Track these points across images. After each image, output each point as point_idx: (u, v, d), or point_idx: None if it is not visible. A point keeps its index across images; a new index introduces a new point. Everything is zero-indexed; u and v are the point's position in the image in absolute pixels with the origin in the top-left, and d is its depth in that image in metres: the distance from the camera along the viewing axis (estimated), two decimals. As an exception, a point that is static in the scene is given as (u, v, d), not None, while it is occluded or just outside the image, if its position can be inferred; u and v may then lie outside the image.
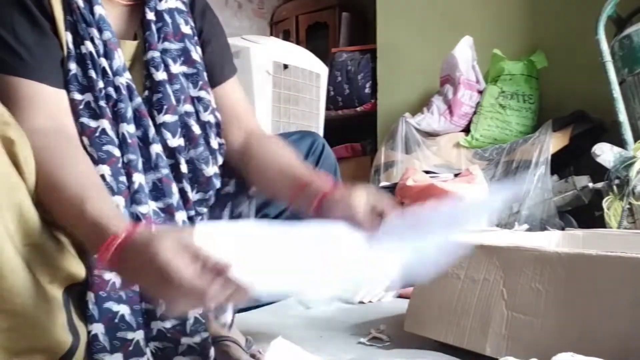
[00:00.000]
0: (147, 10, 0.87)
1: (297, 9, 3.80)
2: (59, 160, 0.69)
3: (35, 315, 0.63)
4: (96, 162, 0.76)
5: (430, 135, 2.46)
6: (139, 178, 0.79)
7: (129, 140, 0.79)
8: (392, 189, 1.86)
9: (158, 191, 0.82)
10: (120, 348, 0.73)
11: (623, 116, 1.80)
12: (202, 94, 0.90)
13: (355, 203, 0.74)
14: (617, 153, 1.70)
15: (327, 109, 2.72)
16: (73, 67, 0.79)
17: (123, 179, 0.78)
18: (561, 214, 2.04)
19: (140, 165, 0.80)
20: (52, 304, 0.67)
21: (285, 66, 2.19)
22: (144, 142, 0.81)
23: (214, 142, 0.90)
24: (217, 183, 0.89)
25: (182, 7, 0.93)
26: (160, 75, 0.85)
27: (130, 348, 0.74)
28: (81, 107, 0.78)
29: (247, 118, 0.97)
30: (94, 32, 0.80)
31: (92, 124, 0.78)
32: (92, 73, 0.79)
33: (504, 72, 2.33)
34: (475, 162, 2.22)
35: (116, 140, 0.78)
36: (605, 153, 1.70)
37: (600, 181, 1.72)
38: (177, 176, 0.85)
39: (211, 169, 0.88)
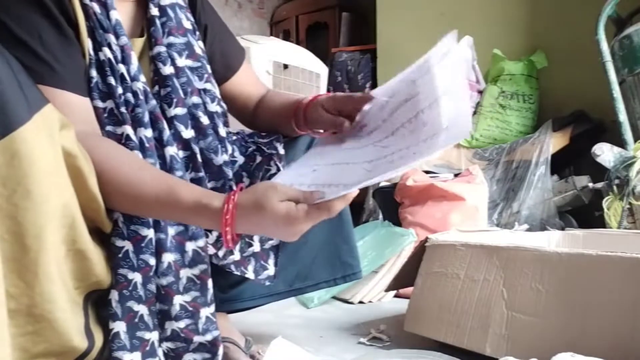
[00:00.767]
0: (151, 5, 0.88)
1: (297, 9, 3.81)
2: (122, 159, 0.74)
3: (58, 320, 0.64)
4: None
5: (430, 135, 2.45)
6: None
7: (147, 145, 0.80)
8: (392, 189, 1.86)
9: None
10: (138, 347, 0.75)
11: (623, 116, 1.80)
12: (208, 85, 0.92)
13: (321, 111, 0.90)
14: (617, 153, 1.70)
15: (327, 109, 2.72)
16: (94, 74, 0.79)
17: None
18: (561, 214, 2.04)
19: (158, 169, 0.81)
20: (74, 309, 0.68)
21: (285, 66, 2.19)
22: (160, 145, 0.83)
23: (222, 131, 0.92)
24: (229, 172, 0.90)
25: (182, 2, 0.94)
26: (168, 69, 0.86)
27: (147, 348, 0.76)
28: (105, 114, 0.79)
29: (260, 90, 1.07)
30: (111, 37, 0.80)
31: (117, 130, 0.79)
32: (112, 80, 0.79)
33: (504, 72, 2.33)
34: (475, 162, 2.22)
35: (138, 145, 0.80)
36: (605, 153, 1.70)
37: (600, 181, 1.72)
38: (194, 166, 0.86)
39: (221, 158, 0.89)
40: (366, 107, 0.86)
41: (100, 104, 0.79)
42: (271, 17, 3.97)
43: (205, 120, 0.89)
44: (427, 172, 1.91)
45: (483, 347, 0.88)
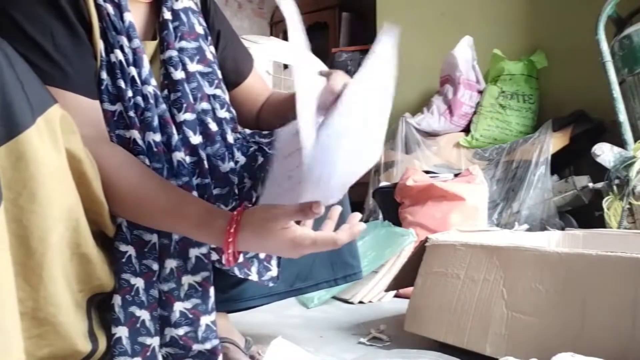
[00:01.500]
0: (164, 9, 0.87)
1: (297, 9, 3.81)
2: (125, 170, 0.73)
3: (62, 324, 0.64)
4: None
5: (430, 135, 2.45)
6: None
7: (155, 149, 0.80)
8: (392, 189, 1.86)
9: None
10: (139, 353, 0.75)
11: (623, 116, 1.80)
12: (218, 91, 0.92)
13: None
14: (617, 153, 1.70)
15: (327, 108, 2.72)
16: (105, 76, 0.78)
17: None
18: (561, 214, 2.04)
19: (165, 173, 0.81)
20: (78, 312, 0.68)
21: (285, 66, 2.19)
22: (167, 149, 0.82)
23: (230, 138, 0.92)
24: (235, 179, 0.90)
25: (194, 7, 0.93)
26: (179, 74, 0.86)
27: (148, 353, 0.76)
28: (114, 118, 0.79)
29: (265, 92, 1.08)
30: (124, 40, 0.79)
31: (126, 134, 0.79)
32: (121, 82, 0.79)
33: (504, 72, 2.33)
34: (475, 162, 2.22)
35: (145, 150, 0.79)
36: (605, 153, 1.70)
37: (600, 181, 1.72)
38: (201, 172, 0.86)
39: (227, 165, 0.89)
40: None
41: (109, 107, 0.79)
42: (271, 17, 3.97)
43: (213, 126, 0.88)
44: (427, 172, 1.91)
45: (483, 347, 0.88)
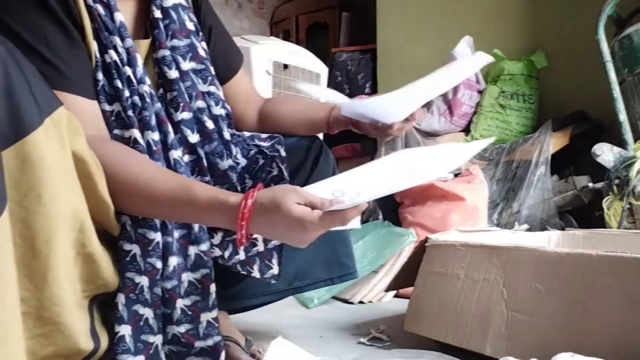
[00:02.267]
0: (153, 8, 0.87)
1: (297, 9, 3.81)
2: (134, 161, 0.74)
3: (66, 324, 0.64)
4: None
5: (430, 135, 2.45)
6: None
7: (154, 148, 0.80)
8: (392, 189, 1.86)
9: None
10: (142, 351, 0.75)
11: (623, 116, 1.80)
12: (212, 88, 0.92)
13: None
14: (617, 153, 1.70)
15: (327, 109, 2.72)
16: (101, 77, 0.79)
17: None
18: (561, 214, 2.04)
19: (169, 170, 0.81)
20: (81, 311, 0.68)
21: (285, 66, 2.19)
22: (164, 147, 0.82)
23: (227, 134, 0.92)
24: (234, 176, 0.90)
25: (184, 2, 0.93)
26: (173, 73, 0.86)
27: (151, 351, 0.76)
28: (112, 118, 0.79)
29: (257, 96, 1.11)
30: (116, 40, 0.80)
31: (125, 134, 0.79)
32: (118, 83, 0.79)
33: (504, 72, 2.33)
34: (475, 162, 2.21)
35: (146, 148, 0.79)
36: (605, 153, 1.70)
37: (600, 181, 1.72)
38: (200, 170, 0.87)
39: (226, 162, 0.90)
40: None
41: (107, 107, 0.79)
42: (271, 17, 3.97)
43: (210, 124, 0.89)
44: (427, 172, 1.90)
45: (483, 347, 0.88)
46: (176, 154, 0.83)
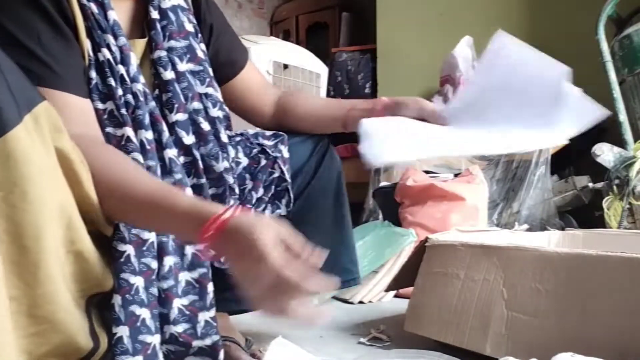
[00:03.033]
0: (150, 9, 0.87)
1: (297, 9, 3.81)
2: (117, 164, 0.72)
3: (61, 322, 0.64)
4: None
5: (430, 135, 2.45)
6: None
7: (148, 147, 0.79)
8: (392, 189, 1.86)
9: None
10: (140, 351, 0.74)
11: (623, 116, 1.80)
12: (210, 90, 0.91)
13: (423, 103, 0.93)
14: (617, 153, 1.70)
15: (327, 108, 2.72)
16: (94, 75, 0.78)
17: None
18: (561, 214, 2.04)
19: (159, 171, 0.80)
20: (78, 311, 0.68)
21: (285, 66, 2.19)
22: (159, 147, 0.82)
23: (224, 137, 0.91)
24: (230, 179, 0.90)
25: (184, 4, 0.92)
26: (169, 74, 0.86)
27: (149, 352, 0.75)
28: (105, 116, 0.78)
29: (271, 88, 1.08)
30: (110, 38, 0.79)
31: (118, 132, 0.78)
32: (112, 81, 0.78)
33: (504, 72, 2.33)
34: (475, 162, 2.21)
35: (139, 147, 0.79)
36: (605, 153, 1.70)
37: (600, 181, 1.72)
38: (196, 172, 0.86)
39: (221, 165, 0.89)
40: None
41: (100, 105, 0.78)
42: (271, 17, 3.97)
43: (206, 126, 0.88)
44: (427, 172, 1.91)
45: (483, 347, 0.88)
46: (171, 152, 0.82)
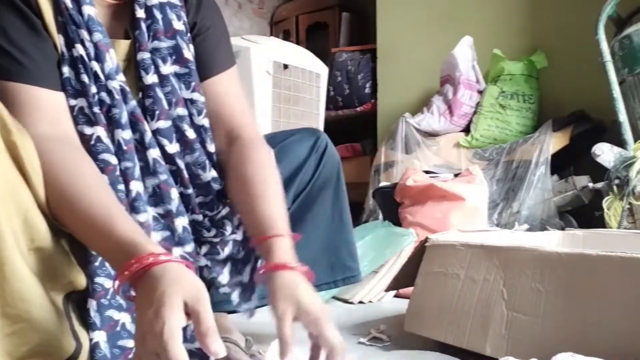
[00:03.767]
0: (136, 7, 0.83)
1: (297, 9, 3.80)
2: (72, 171, 0.68)
3: (38, 321, 0.62)
4: None
5: (430, 135, 2.46)
6: (136, 186, 0.77)
7: (125, 147, 0.76)
8: (392, 189, 1.86)
9: (157, 197, 0.80)
10: (119, 356, 0.72)
11: (623, 116, 1.80)
12: (195, 96, 0.85)
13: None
14: (617, 153, 1.70)
15: (327, 109, 2.72)
16: (66, 70, 0.76)
17: (121, 187, 0.76)
18: (561, 214, 2.04)
19: (137, 173, 0.78)
20: (55, 310, 0.66)
21: (285, 66, 2.18)
22: (142, 147, 0.79)
23: (211, 146, 0.87)
24: (217, 187, 0.87)
25: (176, 1, 0.87)
26: (150, 78, 0.81)
27: (130, 356, 0.73)
28: (74, 113, 0.76)
29: (231, 118, 0.89)
30: (84, 34, 0.76)
31: (87, 131, 0.75)
32: (85, 77, 0.76)
33: (504, 72, 2.33)
34: (475, 162, 2.22)
35: (112, 148, 0.76)
36: (605, 153, 1.70)
37: (600, 181, 1.72)
38: (182, 182, 0.83)
39: (209, 174, 0.85)
40: None
41: (72, 101, 0.76)
42: (271, 17, 3.97)
43: (191, 134, 0.83)
44: (427, 172, 1.91)
45: (483, 347, 0.88)
46: (155, 153, 0.79)
